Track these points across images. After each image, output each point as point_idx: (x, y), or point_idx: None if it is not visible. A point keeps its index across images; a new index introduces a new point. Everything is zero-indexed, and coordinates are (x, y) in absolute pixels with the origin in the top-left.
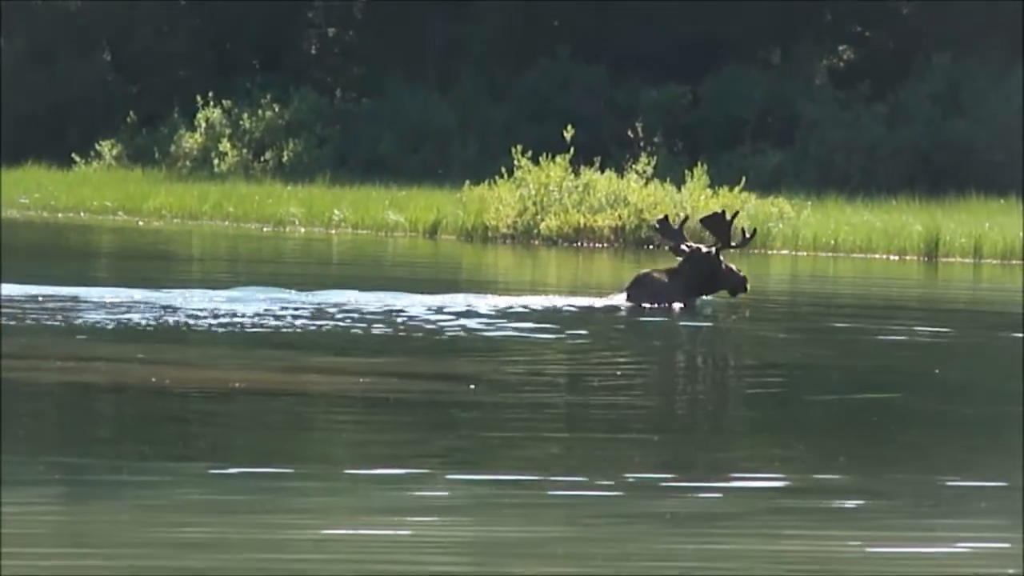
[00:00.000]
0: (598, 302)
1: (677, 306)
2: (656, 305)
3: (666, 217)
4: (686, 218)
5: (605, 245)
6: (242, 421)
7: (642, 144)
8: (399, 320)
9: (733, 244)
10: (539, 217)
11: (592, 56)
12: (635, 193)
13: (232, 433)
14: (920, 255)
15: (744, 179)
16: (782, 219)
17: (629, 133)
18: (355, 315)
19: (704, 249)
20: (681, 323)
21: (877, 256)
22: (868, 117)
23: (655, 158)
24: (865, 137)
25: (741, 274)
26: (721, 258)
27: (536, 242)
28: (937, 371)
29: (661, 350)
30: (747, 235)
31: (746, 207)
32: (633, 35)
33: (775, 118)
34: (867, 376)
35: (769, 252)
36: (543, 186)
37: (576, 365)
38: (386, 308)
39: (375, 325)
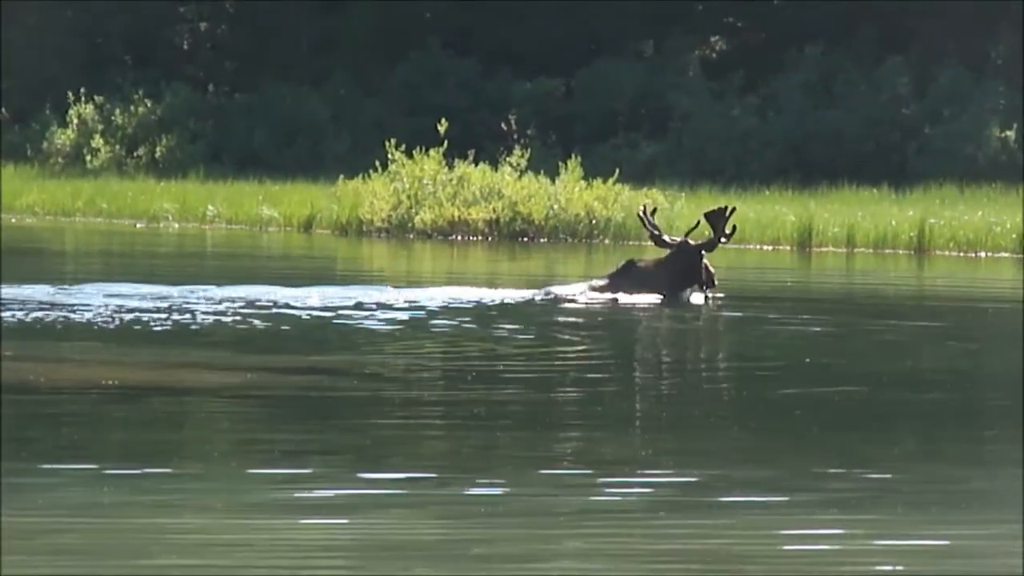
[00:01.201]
0: (565, 290)
1: (658, 298)
2: (637, 294)
3: (645, 208)
4: (655, 209)
5: (480, 238)
6: (117, 419)
7: (516, 137)
8: (295, 314)
9: (723, 240)
10: (413, 211)
11: (464, 49)
12: (509, 186)
13: (107, 431)
14: (793, 245)
15: (618, 171)
16: (656, 210)
17: (503, 126)
18: (241, 310)
19: (692, 242)
20: (583, 317)
21: (751, 246)
22: (741, 108)
23: (529, 151)
24: (738, 128)
25: (711, 271)
26: (703, 253)
27: (411, 235)
28: (808, 360)
29: (566, 343)
30: (729, 232)
31: (620, 199)
32: (505, 28)
33: (648, 110)
34: (751, 367)
35: (643, 244)
36: (417, 180)
37: (490, 359)
38: (282, 302)
39: (268, 320)
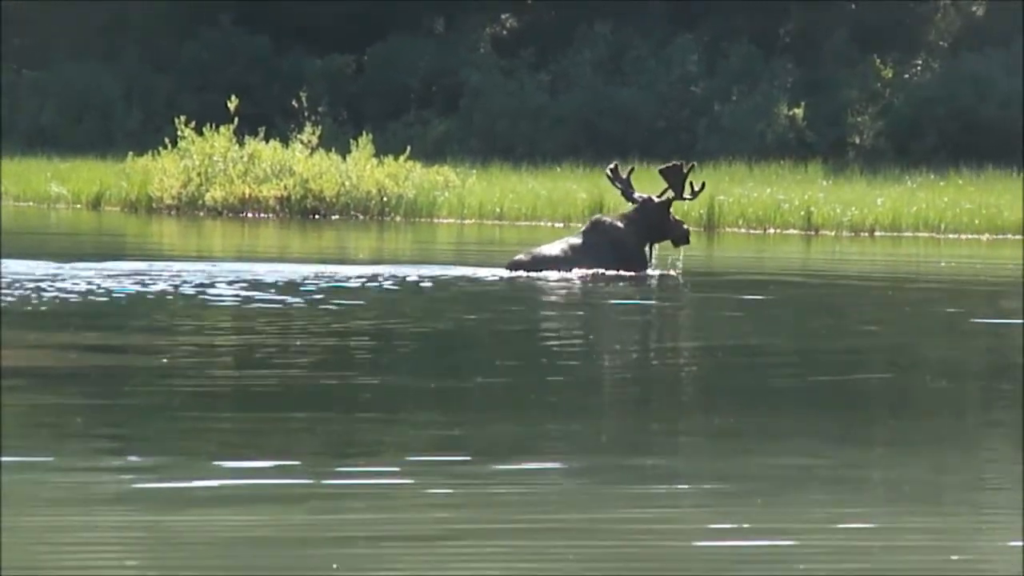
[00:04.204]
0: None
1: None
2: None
3: (616, 166)
4: (632, 169)
5: (271, 215)
6: None
7: (307, 114)
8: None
9: (685, 196)
10: (204, 188)
11: (256, 26)
12: (300, 163)
13: None
14: (585, 222)
15: (409, 148)
16: (447, 187)
17: (294, 103)
18: (29, 285)
19: (656, 199)
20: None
21: (542, 224)
22: (532, 85)
23: (320, 128)
24: (529, 105)
25: (685, 226)
26: (670, 209)
27: (201, 213)
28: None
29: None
30: (696, 189)
31: (411, 176)
32: (297, 4)
33: (439, 87)
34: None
35: (435, 220)
36: (207, 157)
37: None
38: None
39: (56, 297)
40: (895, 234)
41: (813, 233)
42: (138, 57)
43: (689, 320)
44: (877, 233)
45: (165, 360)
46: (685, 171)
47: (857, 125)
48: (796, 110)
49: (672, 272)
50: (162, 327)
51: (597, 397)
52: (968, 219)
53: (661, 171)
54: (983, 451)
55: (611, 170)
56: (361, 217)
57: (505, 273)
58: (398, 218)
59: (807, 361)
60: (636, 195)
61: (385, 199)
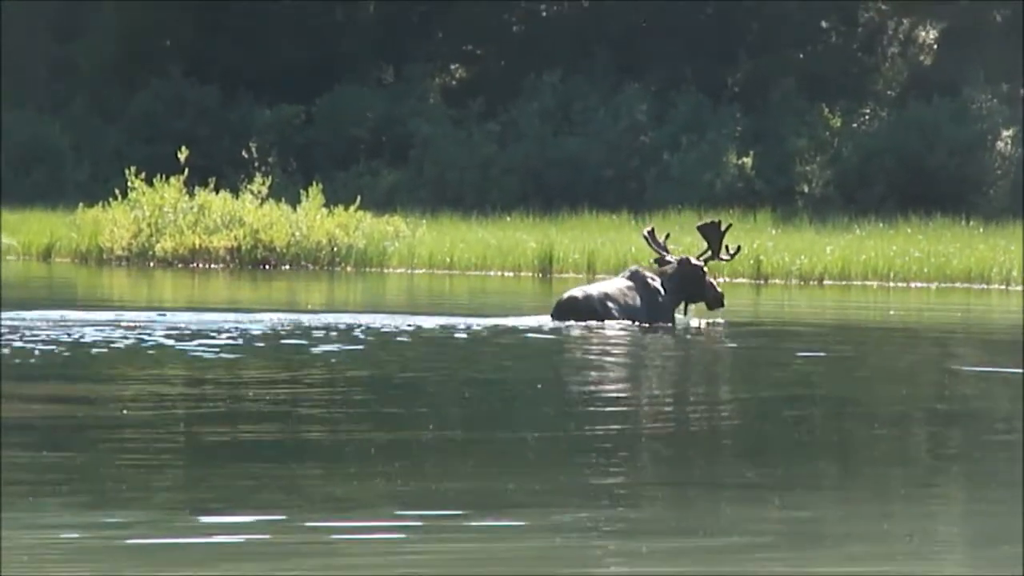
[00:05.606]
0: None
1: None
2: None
3: (653, 230)
4: (668, 235)
5: (221, 266)
6: None
7: (256, 164)
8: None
9: (722, 257)
10: (154, 239)
11: (205, 77)
12: (250, 213)
13: None
14: (535, 271)
15: (359, 198)
16: (398, 237)
17: (243, 153)
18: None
19: (693, 260)
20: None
21: (493, 273)
22: (481, 135)
23: (270, 178)
24: (478, 155)
25: (719, 290)
26: (706, 270)
27: (151, 263)
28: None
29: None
30: (732, 252)
31: (361, 226)
32: (246, 55)
33: (389, 137)
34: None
35: (385, 270)
36: (157, 207)
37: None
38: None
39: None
40: (844, 282)
41: (762, 282)
42: (87, 108)
43: (658, 370)
44: (826, 281)
45: (125, 412)
46: (723, 230)
47: (806, 174)
48: (745, 159)
49: (699, 323)
50: (118, 378)
51: (559, 450)
52: (917, 267)
53: (699, 228)
54: (931, 500)
55: (648, 233)
56: (311, 267)
57: (552, 320)
58: (348, 268)
59: (757, 409)
60: (670, 257)
61: (335, 249)
